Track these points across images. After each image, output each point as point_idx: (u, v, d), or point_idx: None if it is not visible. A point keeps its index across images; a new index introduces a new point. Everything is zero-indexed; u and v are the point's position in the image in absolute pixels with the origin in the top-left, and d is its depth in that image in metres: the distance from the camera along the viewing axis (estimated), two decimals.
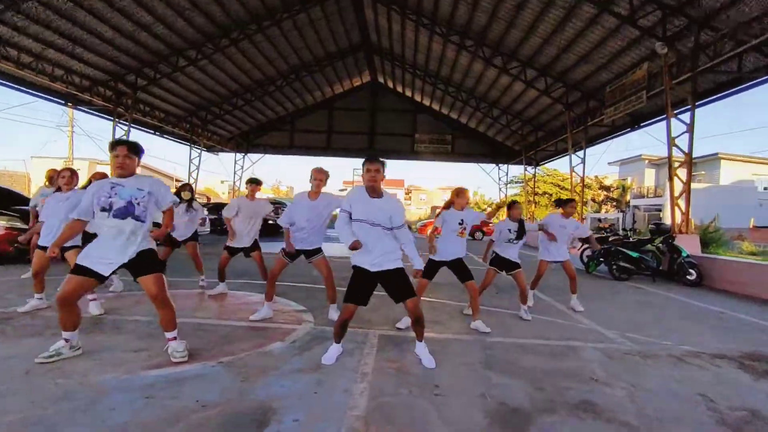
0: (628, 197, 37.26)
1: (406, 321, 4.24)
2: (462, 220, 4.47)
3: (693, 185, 31.24)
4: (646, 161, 36.95)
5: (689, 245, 9.18)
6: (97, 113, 17.83)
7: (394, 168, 55.82)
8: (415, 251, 3.19)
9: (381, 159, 3.15)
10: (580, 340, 4.15)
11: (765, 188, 33.42)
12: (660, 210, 32.30)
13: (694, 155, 10.22)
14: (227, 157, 28.57)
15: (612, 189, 39.52)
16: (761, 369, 3.55)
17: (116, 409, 2.32)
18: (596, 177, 41.70)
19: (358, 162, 35.49)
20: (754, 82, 9.92)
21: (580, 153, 17.39)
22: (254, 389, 2.65)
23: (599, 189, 40.82)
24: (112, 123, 17.10)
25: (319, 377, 2.89)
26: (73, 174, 4.36)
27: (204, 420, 2.25)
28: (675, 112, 10.41)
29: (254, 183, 5.47)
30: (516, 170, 30.28)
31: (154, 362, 3.00)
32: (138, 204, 3.02)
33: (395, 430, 2.25)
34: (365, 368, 3.10)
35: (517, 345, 3.89)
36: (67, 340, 3.03)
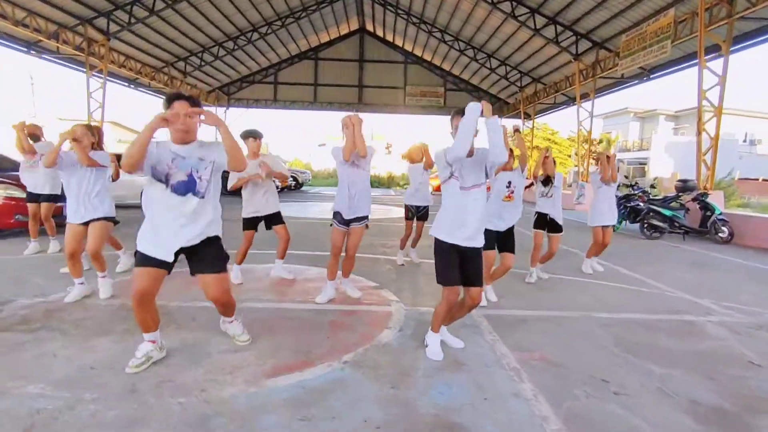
0: (611, 151, 37.64)
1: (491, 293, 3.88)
2: (509, 182, 3.96)
3: (675, 138, 31.62)
4: (632, 114, 37.03)
5: (716, 202, 9.11)
6: (66, 63, 16.03)
7: (375, 120, 54.24)
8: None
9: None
10: (688, 312, 3.90)
11: (744, 141, 34.25)
12: (645, 164, 32.83)
13: (677, 109, 9.96)
14: None
15: (596, 142, 39.79)
16: None
17: None
18: (579, 130, 41.84)
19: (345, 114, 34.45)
20: None
21: (586, 105, 16.94)
22: (414, 399, 2.24)
23: (583, 142, 41.13)
24: (85, 74, 15.40)
25: (469, 377, 2.50)
26: (91, 131, 3.62)
27: None
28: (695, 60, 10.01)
29: (254, 136, 4.23)
30: (509, 124, 29.80)
31: (269, 366, 2.53)
32: (200, 178, 2.42)
33: None
34: (508, 361, 2.73)
35: (632, 321, 3.60)
36: (153, 341, 2.53)
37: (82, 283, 3.69)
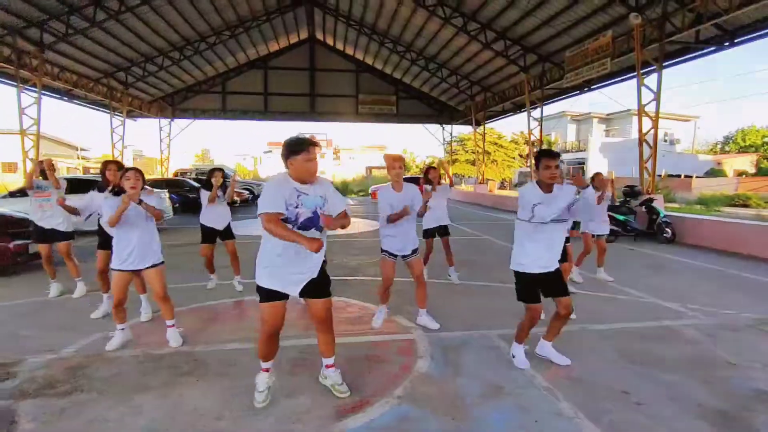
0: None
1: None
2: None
3: (607, 139, 34.21)
4: (568, 117, 39.69)
5: (658, 205, 10.16)
6: None
7: (325, 128, 54.06)
8: None
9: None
10: (665, 318, 4.45)
11: (665, 140, 37.82)
12: (583, 164, 35.32)
13: (609, 112, 11.11)
14: (146, 123, 25.49)
15: (535, 144, 42.34)
16: None
17: None
18: (521, 133, 44.28)
19: (300, 125, 33.80)
20: (709, 50, 10.88)
21: (534, 113, 18.05)
22: (478, 428, 2.47)
23: (525, 144, 43.52)
24: (16, 89, 14.18)
25: (512, 401, 2.78)
26: (140, 174, 3.55)
27: None
28: (633, 74, 11.11)
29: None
30: (457, 130, 30.92)
31: (331, 410, 2.66)
32: (321, 214, 2.58)
33: None
34: (538, 380, 3.04)
35: (624, 331, 4.08)
36: (267, 370, 2.74)
37: (123, 329, 3.62)
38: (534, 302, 3.13)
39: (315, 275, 2.64)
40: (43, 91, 14.94)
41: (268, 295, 2.57)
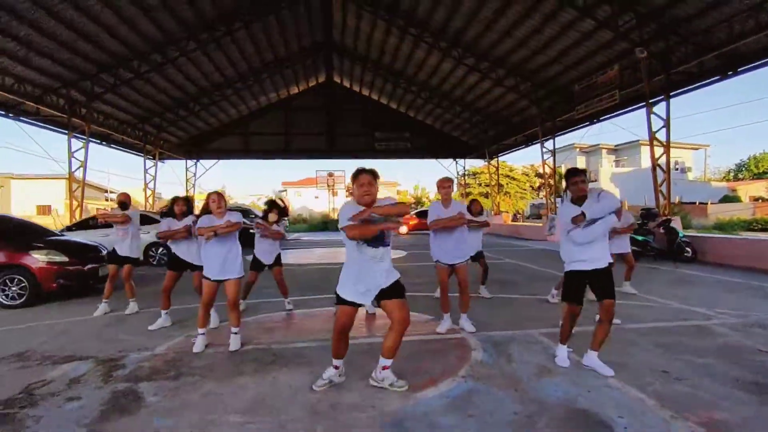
0: (563, 184, 40.57)
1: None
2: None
3: (617, 170, 34.52)
4: (577, 149, 40.42)
5: (676, 226, 10.49)
6: (46, 125, 15.91)
7: (340, 165, 55.58)
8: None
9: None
10: (693, 319, 4.78)
11: (675, 169, 38.15)
12: None
13: (617, 143, 11.61)
14: (172, 164, 26.79)
15: (549, 176, 42.96)
16: None
17: (466, 428, 2.43)
18: (532, 165, 45.05)
19: (319, 163, 34.52)
20: (714, 79, 11.50)
21: (547, 144, 18.69)
22: (538, 396, 2.86)
23: (535, 176, 44.17)
24: (66, 136, 15.34)
25: (565, 378, 3.16)
26: (222, 197, 4.15)
27: (554, 424, 2.45)
28: (641, 103, 11.74)
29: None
30: (469, 164, 31.72)
31: (412, 384, 3.05)
32: (386, 233, 3.03)
33: (699, 411, 2.58)
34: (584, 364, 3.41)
35: (657, 329, 4.43)
36: (337, 367, 3.09)
37: (203, 333, 4.09)
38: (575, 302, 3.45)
39: (385, 286, 3.01)
40: (93, 139, 16.10)
41: (344, 302, 3.00)
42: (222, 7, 14.61)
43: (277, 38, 18.44)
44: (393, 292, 3.03)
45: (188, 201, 4.97)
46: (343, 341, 3.05)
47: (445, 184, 4.57)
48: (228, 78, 20.31)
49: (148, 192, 22.21)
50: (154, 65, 15.59)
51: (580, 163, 41.36)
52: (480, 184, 38.46)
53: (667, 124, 11.21)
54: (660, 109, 11.46)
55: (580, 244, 3.38)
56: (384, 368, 3.09)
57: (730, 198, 35.63)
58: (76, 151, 15.43)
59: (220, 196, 4.17)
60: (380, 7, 16.18)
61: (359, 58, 21.75)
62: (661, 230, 10.22)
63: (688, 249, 9.60)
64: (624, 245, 6.32)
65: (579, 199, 3.45)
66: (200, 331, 4.10)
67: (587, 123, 17.72)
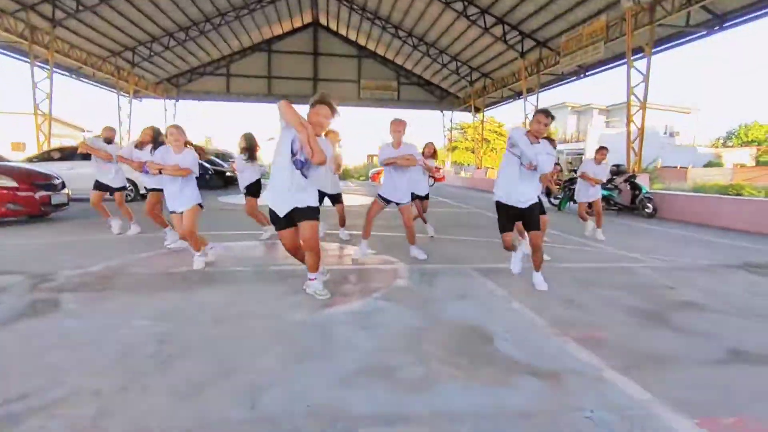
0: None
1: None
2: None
3: (608, 130, 34.38)
4: (569, 108, 39.94)
5: (643, 183, 10.63)
6: (6, 52, 15.13)
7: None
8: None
9: None
10: (624, 261, 4.97)
11: (665, 133, 38.13)
12: (582, 154, 35.67)
13: (609, 103, 11.54)
14: (150, 104, 25.96)
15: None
16: (763, 272, 4.63)
17: (354, 338, 2.56)
18: (523, 124, 44.69)
19: (303, 109, 34.56)
20: (700, 34, 11.26)
21: (531, 98, 18.44)
22: (438, 315, 3.01)
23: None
24: (29, 64, 14.65)
25: (474, 302, 3.31)
26: (181, 131, 4.19)
27: (439, 337, 2.59)
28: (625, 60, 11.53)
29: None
30: (457, 118, 31.31)
31: (319, 304, 3.19)
32: (308, 163, 3.11)
33: (582, 330, 2.75)
34: (498, 292, 3.57)
35: (584, 267, 4.60)
36: (313, 279, 3.34)
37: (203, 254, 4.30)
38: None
39: (300, 205, 3.14)
40: (57, 70, 15.44)
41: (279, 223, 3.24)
42: None
43: None
44: (305, 214, 3.16)
45: (156, 132, 5.09)
46: (297, 255, 3.35)
47: (398, 127, 4.54)
48: (205, 13, 19.32)
49: (124, 132, 21.61)
50: None
51: (571, 122, 41.04)
52: (467, 139, 38.10)
53: (646, 80, 11.06)
54: (644, 65, 11.25)
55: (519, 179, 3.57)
56: (310, 279, 3.36)
57: (713, 164, 35.99)
58: (40, 81, 14.79)
59: (179, 129, 4.20)
60: None
61: (346, 0, 20.74)
62: (627, 186, 10.37)
63: (649, 205, 9.79)
64: (596, 193, 6.52)
65: (534, 138, 3.51)
66: (200, 251, 4.25)
67: (573, 78, 17.44)
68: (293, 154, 3.05)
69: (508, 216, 3.77)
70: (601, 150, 6.76)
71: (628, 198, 10.36)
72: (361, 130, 58.99)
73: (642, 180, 10.69)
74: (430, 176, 6.57)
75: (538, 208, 3.79)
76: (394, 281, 3.84)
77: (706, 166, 34.87)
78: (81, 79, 20.36)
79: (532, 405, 1.87)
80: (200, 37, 20.91)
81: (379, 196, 4.71)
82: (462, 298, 3.42)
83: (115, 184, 5.97)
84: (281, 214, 3.16)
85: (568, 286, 3.83)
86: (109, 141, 6.00)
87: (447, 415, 1.78)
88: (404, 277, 3.98)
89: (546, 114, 3.53)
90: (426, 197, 6.52)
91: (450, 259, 4.80)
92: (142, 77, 22.73)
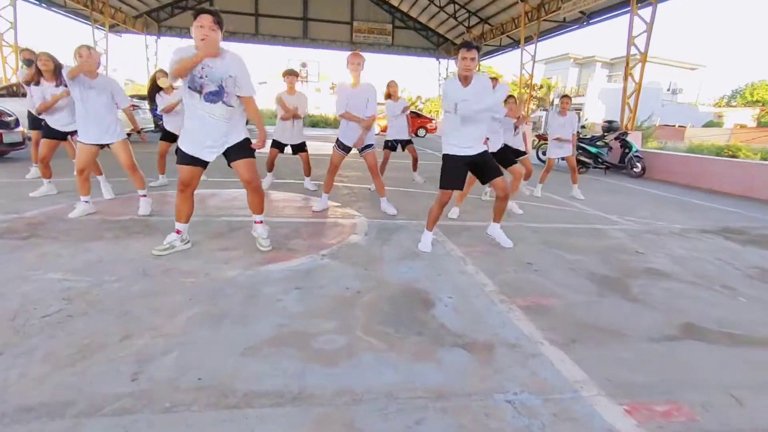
0: (551, 96, 39.26)
1: (455, 212, 4.52)
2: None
3: (608, 85, 33.28)
4: (572, 60, 38.42)
5: (634, 141, 10.27)
6: None
7: (320, 57, 51.53)
8: None
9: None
10: (598, 223, 4.76)
11: (668, 89, 37.04)
12: (581, 109, 34.73)
13: (613, 56, 10.89)
14: (131, 40, 24.48)
15: (536, 87, 41.22)
16: (740, 239, 4.44)
17: (281, 300, 2.35)
18: (522, 75, 43.05)
19: (290, 51, 32.30)
20: None
21: (529, 48, 17.52)
22: (383, 276, 2.80)
23: (524, 87, 42.52)
24: None
25: (426, 263, 3.10)
26: (93, 52, 3.65)
27: (375, 301, 2.39)
28: (629, 7, 10.77)
29: (291, 74, 5.20)
30: (454, 66, 29.94)
31: (258, 259, 2.97)
32: (226, 89, 2.74)
33: (531, 297, 2.57)
34: (455, 252, 3.36)
35: (555, 229, 4.38)
36: (179, 232, 3.01)
37: (87, 202, 3.87)
38: (449, 188, 3.33)
39: (231, 144, 2.86)
40: None
41: (184, 158, 2.84)
42: None
43: None
44: (238, 152, 2.88)
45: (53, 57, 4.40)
46: (185, 202, 2.95)
47: (355, 60, 4.11)
48: None
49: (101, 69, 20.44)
50: None
51: (573, 75, 39.60)
52: None
53: (648, 29, 10.38)
54: (647, 14, 10.50)
55: (459, 127, 3.18)
56: (256, 222, 3.20)
57: (713, 123, 35.31)
58: (3, 8, 13.70)
59: (90, 50, 3.66)
60: None
61: None
62: (618, 144, 10.02)
63: (638, 164, 9.50)
64: (567, 149, 6.17)
65: (465, 80, 3.11)
66: (82, 198, 3.88)
67: (575, 26, 16.47)
68: (199, 88, 2.69)
69: (456, 168, 3.29)
70: (564, 99, 6.11)
71: (617, 156, 10.04)
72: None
73: (634, 138, 10.32)
74: (420, 127, 6.39)
75: (490, 156, 3.44)
76: (347, 237, 3.61)
77: (706, 125, 34.22)
78: (52, 8, 18.97)
79: (451, 385, 1.69)
80: None
81: (338, 142, 4.35)
82: (414, 257, 3.21)
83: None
84: (209, 159, 2.88)
85: (531, 248, 3.62)
86: (29, 64, 4.95)
87: (350, 394, 1.59)
88: (360, 233, 3.75)
89: (468, 47, 3.00)
90: (409, 142, 6.26)
91: (419, 215, 4.54)
92: (119, 9, 21.24)
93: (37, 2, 17.82)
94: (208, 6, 23.95)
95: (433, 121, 26.47)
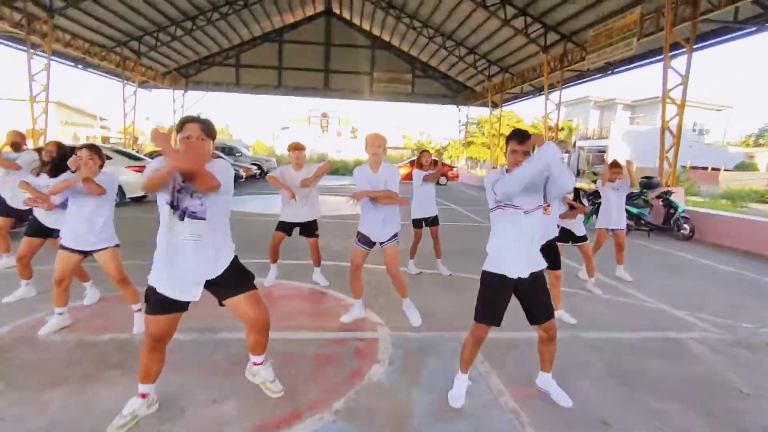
0: (573, 138, 38.71)
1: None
2: None
3: (632, 127, 32.83)
4: (592, 102, 38.11)
5: (678, 199, 9.44)
6: (5, 42, 14.55)
7: (341, 105, 52.75)
8: None
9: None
10: (670, 328, 3.94)
11: (693, 130, 36.04)
12: (604, 152, 33.98)
13: (634, 99, 10.30)
14: (160, 94, 25.32)
15: (556, 130, 40.89)
16: None
17: None
18: (543, 117, 42.85)
19: (312, 102, 33.05)
20: (748, 30, 9.91)
21: (553, 95, 17.14)
22: None
23: (546, 129, 42.18)
24: (26, 54, 14.04)
25: (469, 425, 2.37)
26: (95, 153, 3.16)
27: None
28: (660, 56, 10.25)
29: (298, 149, 4.48)
30: (475, 112, 29.91)
31: (255, 422, 2.30)
32: (210, 204, 2.15)
33: None
34: (505, 399, 2.62)
35: (620, 342, 3.59)
36: (145, 395, 2.29)
37: (62, 314, 3.34)
38: (486, 322, 2.50)
39: (220, 272, 2.23)
40: (54, 57, 14.85)
41: (162, 306, 2.18)
42: None
43: None
44: (233, 283, 2.25)
45: (61, 148, 3.90)
46: (156, 358, 2.27)
47: (377, 142, 3.56)
48: (212, 1, 18.45)
49: (128, 122, 21.04)
50: None
51: (594, 117, 39.16)
52: (484, 134, 36.76)
53: (684, 81, 9.79)
54: (680, 64, 9.98)
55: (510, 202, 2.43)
56: (255, 364, 2.54)
57: (746, 165, 33.91)
58: (38, 73, 14.19)
59: (91, 151, 3.14)
60: None
61: None
62: (660, 202, 9.20)
63: (686, 226, 8.62)
64: (621, 221, 5.46)
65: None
66: (56, 310, 3.35)
67: (599, 75, 16.12)
68: (176, 203, 2.10)
69: (496, 293, 2.50)
70: (615, 168, 5.38)
71: (660, 216, 9.20)
72: (377, 120, 57.77)
73: (678, 196, 9.49)
74: (442, 175, 5.65)
75: (544, 282, 2.58)
76: (368, 371, 2.91)
77: (738, 167, 32.86)
78: (87, 69, 19.77)
79: None
80: (208, 26, 20.07)
81: (359, 235, 3.72)
82: (454, 415, 2.48)
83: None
84: (196, 298, 2.23)
85: (599, 388, 2.84)
86: (17, 147, 4.92)
87: None
88: (383, 361, 3.05)
89: (521, 139, 2.40)
90: (435, 221, 5.56)
91: (444, 322, 3.82)
92: (150, 67, 22.08)
93: (73, 64, 18.58)
94: (235, 63, 24.83)
95: (454, 169, 26.11)
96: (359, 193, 3.54)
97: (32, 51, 14.07)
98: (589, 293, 4.84)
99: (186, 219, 2.10)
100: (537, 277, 2.51)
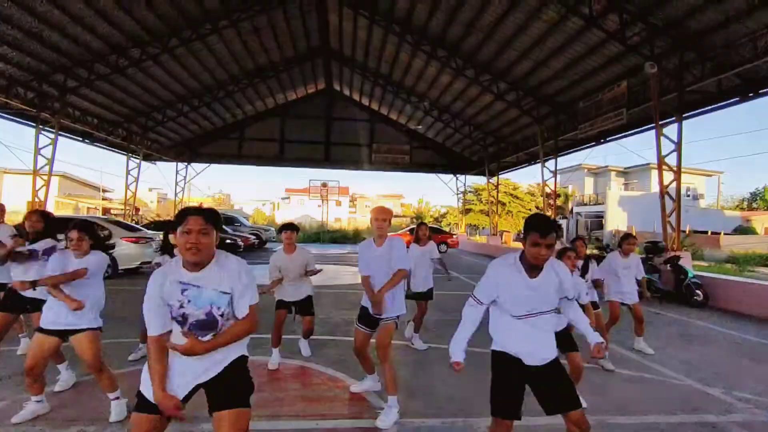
0: (570, 205, 39.25)
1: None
2: None
3: (626, 193, 33.33)
4: (585, 170, 39.10)
5: (685, 263, 9.22)
6: (15, 119, 15.09)
7: (340, 175, 54.04)
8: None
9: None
10: (706, 411, 3.55)
11: (687, 195, 36.63)
12: (601, 217, 34.28)
13: (627, 165, 10.43)
14: (164, 166, 25.93)
15: (554, 197, 41.60)
16: None
17: None
18: (538, 184, 43.76)
19: (313, 173, 33.81)
20: (733, 100, 10.32)
21: (548, 164, 17.51)
22: None
23: (542, 196, 42.89)
24: (35, 131, 14.51)
25: None
26: (84, 234, 3.01)
27: None
28: (651, 125, 10.56)
29: (289, 229, 4.35)
30: (471, 180, 30.55)
31: None
32: (222, 315, 1.91)
33: None
34: None
35: (652, 428, 3.20)
36: None
37: (40, 401, 3.03)
38: (504, 416, 2.22)
39: (221, 368, 1.94)
40: (63, 133, 15.34)
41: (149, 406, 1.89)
42: (206, 3, 13.72)
43: (270, 40, 17.54)
44: (228, 393, 1.91)
45: (46, 216, 3.74)
46: None
47: (381, 216, 3.37)
48: (218, 80, 19.47)
49: (129, 193, 21.29)
50: (132, 61, 14.72)
51: (588, 183, 40.01)
52: (482, 201, 37.26)
53: (678, 149, 10.00)
54: (671, 131, 10.27)
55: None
56: None
57: (744, 229, 34.02)
58: (44, 147, 14.55)
59: (80, 233, 2.99)
60: (376, 13, 15.24)
61: (358, 66, 20.83)
62: (668, 268, 8.96)
63: (698, 292, 8.32)
64: (634, 294, 5.15)
65: (532, 270, 2.23)
66: (33, 398, 3.00)
67: (592, 143, 16.58)
68: (181, 318, 1.90)
69: (509, 379, 2.26)
70: (630, 240, 5.15)
71: (671, 282, 8.91)
72: (377, 189, 58.80)
73: (685, 261, 9.28)
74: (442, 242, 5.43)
75: (561, 366, 2.31)
76: None
77: (736, 230, 32.93)
78: (94, 144, 20.38)
79: None
80: (214, 102, 21.01)
81: (361, 313, 3.46)
82: None
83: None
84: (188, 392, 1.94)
85: None
86: None
87: None
88: None
89: (544, 231, 2.11)
90: (429, 294, 5.29)
91: (456, 406, 3.44)
92: (155, 141, 22.79)
93: (80, 139, 19.18)
94: (239, 136, 25.74)
95: (454, 236, 26.07)
96: (380, 296, 3.25)
97: (41, 127, 14.55)
98: (610, 372, 4.45)
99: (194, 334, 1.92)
100: (553, 368, 2.28)
